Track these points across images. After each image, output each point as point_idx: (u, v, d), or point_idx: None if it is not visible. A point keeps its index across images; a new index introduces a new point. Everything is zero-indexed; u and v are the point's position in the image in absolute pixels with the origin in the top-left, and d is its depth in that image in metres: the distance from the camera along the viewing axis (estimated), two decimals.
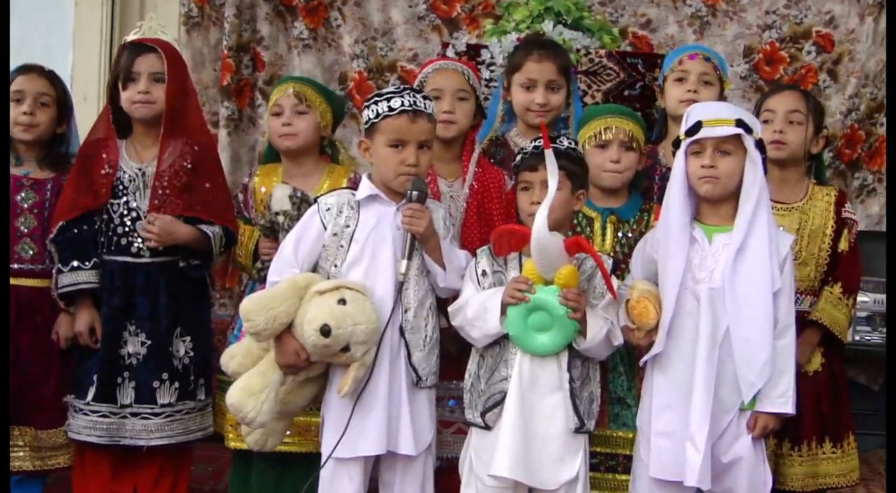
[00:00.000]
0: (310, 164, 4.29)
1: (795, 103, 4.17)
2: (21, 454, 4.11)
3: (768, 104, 4.21)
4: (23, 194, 4.19)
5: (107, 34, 6.79)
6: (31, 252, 4.17)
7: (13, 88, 4.22)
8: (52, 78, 4.31)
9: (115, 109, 4.17)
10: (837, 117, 6.56)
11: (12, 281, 4.08)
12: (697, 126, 3.53)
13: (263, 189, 4.24)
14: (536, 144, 3.62)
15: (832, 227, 4.17)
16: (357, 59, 6.91)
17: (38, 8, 6.91)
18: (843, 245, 4.17)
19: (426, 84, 4.16)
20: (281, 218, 3.95)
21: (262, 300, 3.50)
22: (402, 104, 3.58)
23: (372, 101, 3.64)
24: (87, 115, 5.29)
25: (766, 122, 4.11)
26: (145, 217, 4.05)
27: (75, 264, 4.04)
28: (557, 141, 3.63)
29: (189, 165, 4.11)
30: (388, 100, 3.60)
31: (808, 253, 4.14)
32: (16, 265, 4.14)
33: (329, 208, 3.65)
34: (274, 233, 3.97)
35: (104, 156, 4.12)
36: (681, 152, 3.57)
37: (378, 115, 3.60)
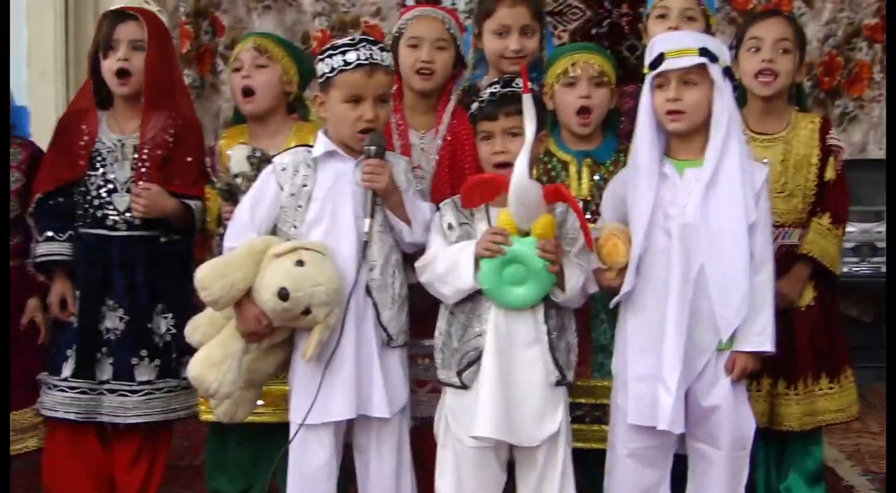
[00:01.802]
0: (275, 123, 4.15)
1: (784, 31, 4.04)
2: None
3: (754, 31, 4.06)
4: None
5: (61, 8, 6.61)
6: None
7: None
8: None
9: (97, 81, 4.12)
10: (815, 44, 6.50)
11: None
12: (660, 58, 3.42)
13: (229, 152, 4.07)
14: (492, 91, 3.53)
15: (818, 155, 4.05)
16: (319, 17, 6.82)
17: None
18: (830, 174, 4.06)
19: (405, 32, 4.03)
20: (239, 180, 3.81)
21: (218, 267, 3.39)
22: (358, 58, 3.47)
23: (326, 54, 3.53)
24: (44, 91, 5.16)
25: (753, 49, 4.00)
26: (122, 189, 4.03)
27: (50, 234, 4.03)
28: (514, 84, 3.51)
29: (171, 139, 4.08)
30: (343, 53, 3.48)
31: (794, 184, 4.04)
32: None
33: (285, 168, 3.55)
34: (233, 196, 3.82)
35: (83, 127, 4.09)
36: (647, 86, 3.46)
37: (333, 69, 3.49)
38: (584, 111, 3.86)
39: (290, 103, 4.21)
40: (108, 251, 4.03)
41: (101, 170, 4.04)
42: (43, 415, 4.05)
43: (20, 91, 5.71)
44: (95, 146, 4.05)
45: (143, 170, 4.00)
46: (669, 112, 3.41)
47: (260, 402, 3.82)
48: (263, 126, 4.13)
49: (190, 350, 3.92)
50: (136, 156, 4.03)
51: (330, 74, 3.49)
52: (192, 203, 4.05)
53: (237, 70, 4.12)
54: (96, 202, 4.03)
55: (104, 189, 4.03)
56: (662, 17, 4.21)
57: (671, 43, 3.46)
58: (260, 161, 3.77)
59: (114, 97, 4.13)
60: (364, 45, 3.49)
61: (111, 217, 4.02)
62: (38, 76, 6.40)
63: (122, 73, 4.02)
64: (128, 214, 4.01)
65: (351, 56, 3.46)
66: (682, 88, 3.40)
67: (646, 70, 3.46)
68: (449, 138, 4.01)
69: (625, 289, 3.43)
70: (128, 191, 4.02)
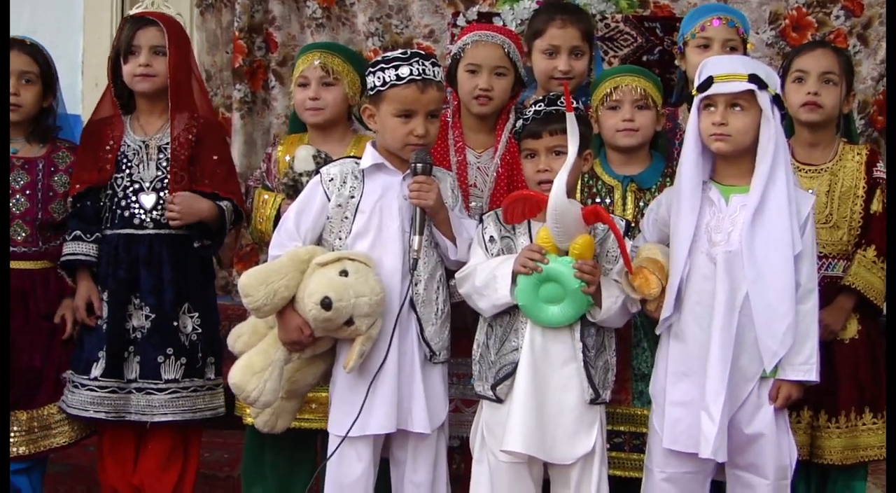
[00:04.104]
0: (337, 133, 4.17)
1: (829, 63, 4.01)
2: (14, 439, 4.00)
3: (800, 63, 4.04)
4: (14, 175, 4.11)
5: (117, 19, 6.71)
6: (23, 234, 4.09)
7: None
8: (33, 52, 4.21)
9: (119, 85, 4.16)
10: (869, 83, 6.47)
11: None
12: (709, 82, 3.42)
13: (288, 158, 4.13)
14: (537, 109, 3.54)
15: (863, 187, 4.01)
16: (372, 37, 6.86)
17: None
18: (876, 206, 4.02)
19: (464, 55, 4.02)
20: (305, 178, 3.84)
21: (261, 274, 3.41)
22: (411, 73, 3.48)
23: (378, 67, 3.53)
24: (97, 101, 5.21)
25: (797, 80, 3.98)
26: (149, 189, 4.05)
27: (77, 233, 4.05)
28: (559, 102, 3.53)
29: (194, 139, 4.09)
30: (396, 68, 3.49)
31: (839, 216, 4.01)
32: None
33: (332, 178, 3.57)
34: (297, 193, 3.81)
35: (108, 132, 4.12)
36: (694, 108, 3.47)
37: (385, 82, 3.50)
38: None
39: (350, 112, 4.22)
40: (136, 250, 4.04)
41: (128, 171, 4.07)
42: (68, 414, 4.06)
43: (74, 100, 5.84)
44: (121, 149, 4.09)
45: (172, 170, 4.04)
46: (714, 134, 3.40)
47: None
48: (325, 136, 4.14)
49: (216, 351, 4.07)
50: (160, 156, 4.06)
51: (381, 88, 3.50)
52: (223, 204, 4.07)
53: (302, 85, 4.13)
54: (123, 203, 4.05)
55: (130, 189, 4.05)
56: (704, 47, 4.22)
57: (721, 67, 3.45)
58: (325, 161, 3.80)
59: (135, 101, 4.17)
60: (416, 60, 3.49)
61: (138, 216, 4.04)
62: (92, 85, 6.50)
63: (146, 78, 4.06)
64: (154, 213, 4.03)
65: (404, 71, 3.47)
66: (728, 112, 3.40)
67: (694, 92, 3.47)
68: (508, 157, 4.00)
69: (665, 314, 3.42)
70: (153, 190, 4.05)
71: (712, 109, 3.42)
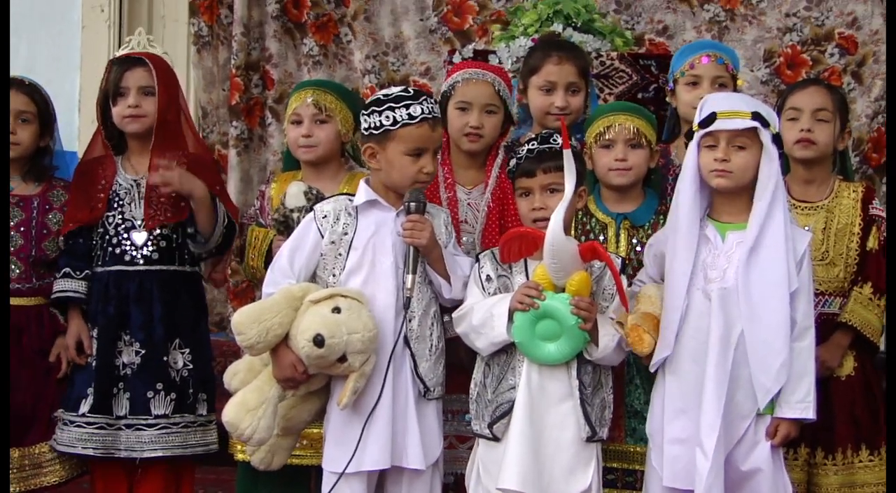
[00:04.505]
0: (331, 171, 4.18)
1: (822, 101, 4.04)
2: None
3: (793, 101, 4.06)
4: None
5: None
6: (17, 271, 4.10)
7: None
8: (31, 92, 4.23)
9: (108, 127, 4.16)
10: (864, 120, 6.49)
11: None
12: (712, 118, 3.42)
13: (281, 196, 4.08)
14: (530, 147, 3.55)
15: (860, 225, 4.03)
16: (368, 74, 6.89)
17: (46, 31, 6.94)
18: (872, 243, 4.02)
19: (454, 93, 4.02)
20: (296, 215, 3.82)
21: (254, 312, 3.40)
22: (423, 112, 3.49)
23: (386, 106, 3.51)
24: None
25: (792, 119, 3.99)
26: (140, 227, 4.06)
27: (67, 270, 4.06)
28: (552, 139, 3.55)
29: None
30: (408, 107, 3.49)
31: (835, 253, 4.01)
32: None
33: (326, 216, 3.56)
34: (288, 229, 3.82)
35: (100, 171, 4.14)
36: (693, 145, 3.46)
37: (396, 122, 3.48)
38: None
39: (344, 149, 4.23)
40: (126, 287, 4.04)
41: (119, 209, 4.08)
42: (57, 451, 4.05)
43: (71, 137, 5.82)
44: (113, 188, 4.09)
45: (158, 207, 4.05)
46: (715, 171, 3.40)
47: None
48: (318, 173, 4.14)
49: (208, 387, 4.06)
50: (152, 195, 4.06)
51: (391, 127, 3.48)
52: (219, 205, 4.07)
53: (295, 123, 4.13)
54: (115, 240, 4.06)
55: (122, 227, 4.06)
56: (694, 84, 4.24)
57: (724, 104, 3.46)
58: (317, 198, 3.79)
59: (126, 141, 4.17)
60: (426, 100, 3.51)
61: (129, 253, 4.05)
62: (89, 123, 6.39)
63: (135, 119, 4.07)
64: (145, 249, 4.05)
65: (416, 110, 3.47)
66: (730, 149, 3.39)
67: (695, 128, 3.46)
68: (498, 193, 4.00)
69: (663, 354, 3.41)
70: (145, 228, 4.06)
71: (713, 145, 3.42)
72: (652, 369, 3.50)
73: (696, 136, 3.45)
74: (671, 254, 3.44)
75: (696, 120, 3.47)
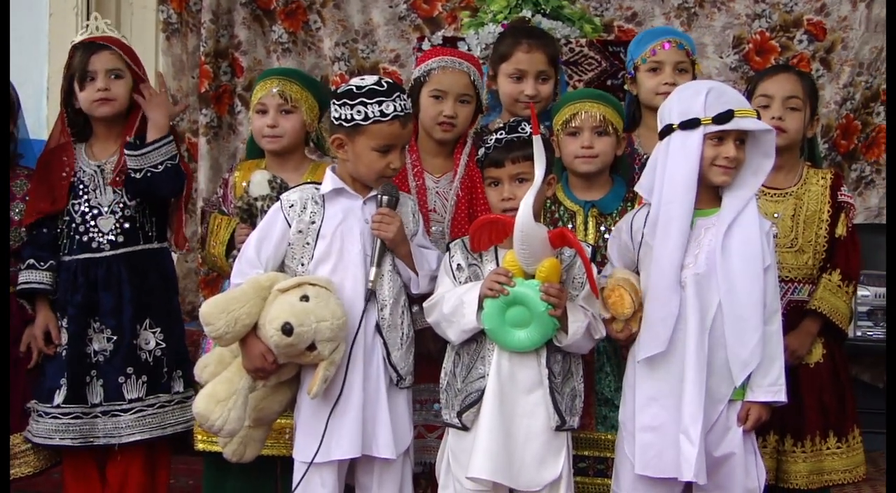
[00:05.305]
0: (294, 161, 4.17)
1: (793, 88, 4.03)
2: None
3: (764, 88, 4.06)
4: None
5: None
6: None
7: None
8: None
9: (72, 112, 4.15)
10: (832, 107, 6.50)
11: None
12: (729, 115, 3.35)
13: (245, 184, 4.08)
14: (498, 137, 3.52)
15: (828, 212, 4.04)
16: (338, 61, 6.85)
17: (13, 18, 6.80)
18: (841, 230, 4.04)
19: (429, 80, 3.98)
20: (260, 203, 3.81)
21: (222, 303, 3.38)
22: (395, 109, 3.45)
23: (358, 100, 3.46)
24: None
25: (762, 106, 3.97)
26: (107, 212, 4.08)
27: (31, 262, 4.07)
28: (520, 128, 3.51)
29: None
30: (380, 103, 3.45)
31: (804, 240, 4.02)
32: None
33: (293, 205, 3.54)
34: (252, 217, 3.82)
35: (64, 159, 4.13)
36: (697, 137, 3.36)
37: (367, 117, 3.45)
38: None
39: (308, 138, 4.23)
40: (94, 273, 4.05)
41: (85, 197, 4.08)
42: (34, 443, 4.06)
43: (39, 126, 5.78)
44: (77, 176, 4.09)
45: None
46: (723, 166, 3.37)
47: None
48: (282, 163, 4.13)
49: (182, 365, 4.07)
50: (117, 179, 4.07)
51: (363, 122, 3.45)
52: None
53: (261, 112, 4.11)
54: (81, 229, 4.06)
55: (89, 215, 4.07)
56: (654, 70, 4.23)
57: (736, 101, 3.39)
58: (281, 188, 3.78)
59: (91, 127, 4.16)
60: (399, 96, 3.48)
61: (96, 239, 4.06)
62: (57, 110, 6.39)
63: (105, 102, 4.06)
64: (111, 235, 4.06)
65: (388, 107, 3.44)
66: (735, 145, 3.37)
67: (706, 121, 3.35)
68: (467, 181, 3.99)
69: (657, 349, 3.37)
70: (111, 213, 4.07)
71: (723, 141, 3.37)
72: (637, 361, 3.45)
73: (704, 129, 3.35)
74: (660, 248, 3.38)
75: (704, 112, 3.35)
